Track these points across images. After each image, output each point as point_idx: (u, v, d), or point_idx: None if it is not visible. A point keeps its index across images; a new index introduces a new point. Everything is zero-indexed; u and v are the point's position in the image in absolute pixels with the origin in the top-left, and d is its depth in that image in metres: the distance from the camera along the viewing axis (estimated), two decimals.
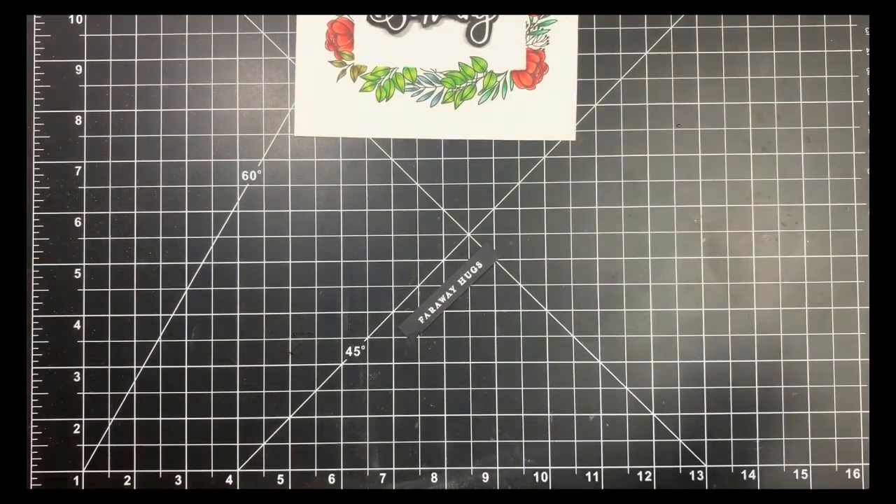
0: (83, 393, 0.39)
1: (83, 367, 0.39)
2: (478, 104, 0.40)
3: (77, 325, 0.39)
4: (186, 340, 0.39)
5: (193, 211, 0.40)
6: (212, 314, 0.39)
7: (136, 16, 0.40)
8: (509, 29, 0.40)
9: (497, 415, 0.39)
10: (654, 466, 0.39)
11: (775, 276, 0.39)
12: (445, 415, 0.39)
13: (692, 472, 0.39)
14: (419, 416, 0.39)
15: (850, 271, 0.39)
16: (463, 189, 0.40)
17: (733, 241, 0.39)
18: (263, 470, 0.39)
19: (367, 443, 0.39)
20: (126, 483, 0.39)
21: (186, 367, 0.39)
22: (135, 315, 0.39)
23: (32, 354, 0.39)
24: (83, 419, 0.39)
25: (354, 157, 0.40)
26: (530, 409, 0.39)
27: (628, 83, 0.40)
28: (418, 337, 0.39)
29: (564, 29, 0.40)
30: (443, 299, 0.39)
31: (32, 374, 0.39)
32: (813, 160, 0.40)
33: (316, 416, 0.39)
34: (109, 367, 0.39)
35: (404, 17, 0.40)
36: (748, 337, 0.39)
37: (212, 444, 0.39)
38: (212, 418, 0.39)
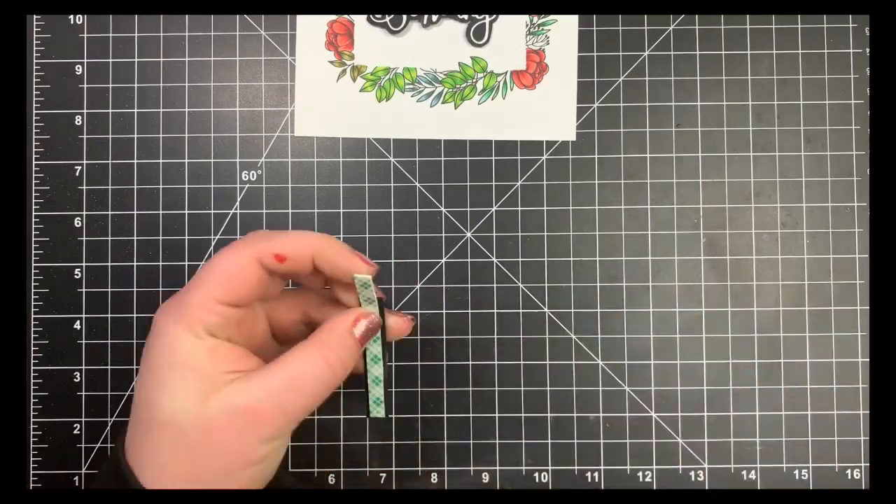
0: (83, 393, 0.39)
1: (83, 367, 0.39)
2: (478, 104, 0.40)
3: (77, 325, 0.39)
4: None
5: (193, 211, 0.40)
6: None
7: (136, 16, 0.40)
8: (509, 29, 0.40)
9: (497, 415, 0.39)
10: (654, 466, 0.39)
11: (775, 276, 0.39)
12: (445, 415, 0.39)
13: (692, 472, 0.39)
14: (419, 416, 0.39)
15: (850, 271, 0.39)
16: (463, 189, 0.40)
17: (733, 241, 0.39)
18: None
19: (367, 443, 0.39)
20: None
21: None
22: (135, 315, 0.39)
23: (32, 354, 0.39)
24: (83, 419, 0.39)
25: (354, 157, 0.40)
26: (530, 409, 0.39)
27: (628, 83, 0.40)
28: (418, 337, 0.39)
29: (564, 29, 0.40)
30: None
31: (32, 374, 0.39)
32: (813, 160, 0.40)
33: (316, 417, 0.39)
34: (109, 367, 0.39)
35: (404, 17, 0.40)
36: (748, 337, 0.39)
37: None
38: None
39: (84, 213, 0.40)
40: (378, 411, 0.31)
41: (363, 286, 0.30)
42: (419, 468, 0.39)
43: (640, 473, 0.39)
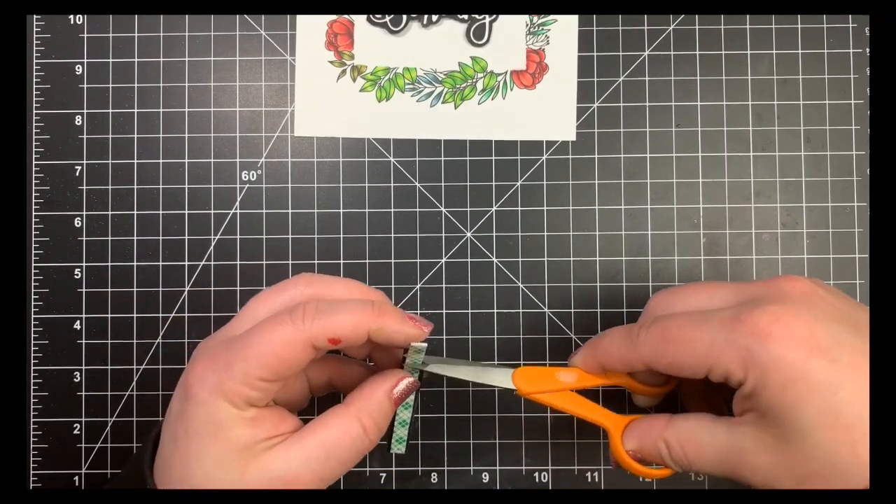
0: (83, 393, 0.39)
1: (83, 367, 0.39)
2: (478, 104, 0.40)
3: (77, 325, 0.39)
4: (186, 340, 0.39)
5: (193, 211, 0.40)
6: (212, 314, 0.39)
7: (136, 16, 0.40)
8: (509, 29, 0.40)
9: (497, 415, 0.39)
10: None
11: (775, 276, 0.39)
12: (445, 415, 0.39)
13: (692, 472, 0.39)
14: (419, 416, 0.39)
15: (850, 271, 0.39)
16: (463, 189, 0.40)
17: (733, 241, 0.39)
18: None
19: None
20: None
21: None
22: (135, 315, 0.39)
23: (32, 354, 0.39)
24: (83, 419, 0.39)
25: (354, 157, 0.40)
26: (530, 409, 0.39)
27: (628, 83, 0.40)
28: None
29: (564, 29, 0.40)
30: None
31: (32, 374, 0.39)
32: (813, 160, 0.40)
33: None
34: (109, 367, 0.39)
35: (404, 17, 0.40)
36: None
37: None
38: None
39: (84, 213, 0.40)
40: (399, 448, 0.32)
41: (416, 351, 0.30)
42: (419, 468, 0.39)
43: None
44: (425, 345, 0.30)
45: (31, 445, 0.39)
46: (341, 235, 0.40)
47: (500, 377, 0.32)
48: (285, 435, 0.28)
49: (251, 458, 0.27)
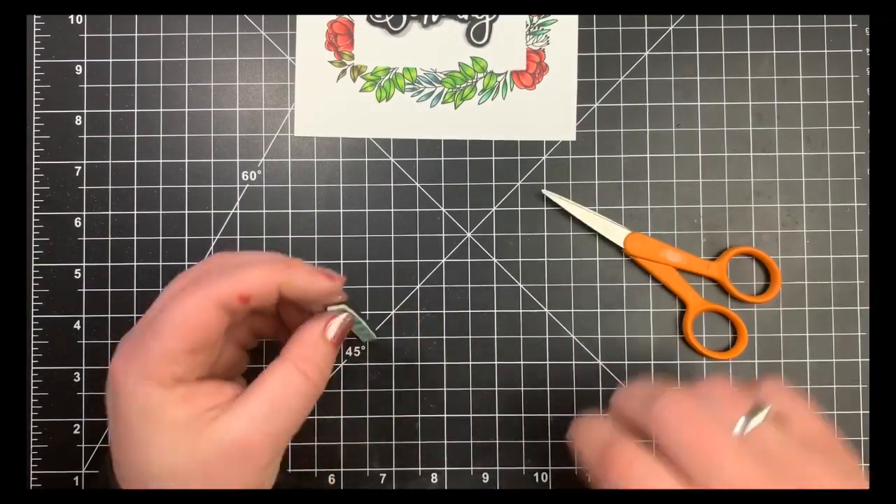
0: (83, 393, 0.39)
1: (83, 367, 0.39)
2: (478, 104, 0.40)
3: (77, 325, 0.39)
4: None
5: (193, 211, 0.40)
6: None
7: (136, 16, 0.40)
8: (509, 29, 0.40)
9: (497, 415, 0.39)
10: None
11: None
12: (445, 415, 0.39)
13: None
14: (419, 416, 0.39)
15: (850, 271, 0.39)
16: (463, 189, 0.40)
17: (733, 242, 0.39)
18: None
19: (367, 443, 0.39)
20: None
21: None
22: (135, 315, 0.39)
23: (32, 354, 0.39)
24: (83, 419, 0.39)
25: (354, 157, 0.40)
26: (530, 409, 0.39)
27: (628, 83, 0.40)
28: (418, 337, 0.39)
29: (564, 29, 0.40)
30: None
31: (32, 374, 0.39)
32: (813, 160, 0.40)
33: (316, 417, 0.39)
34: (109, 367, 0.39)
35: (404, 17, 0.40)
36: (748, 337, 0.39)
37: None
38: None
39: (84, 213, 0.40)
40: (370, 336, 0.35)
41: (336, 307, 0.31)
42: (419, 468, 0.39)
43: None
44: (342, 306, 0.30)
45: (31, 445, 0.39)
46: (341, 235, 0.40)
47: (616, 234, 0.39)
48: (227, 403, 0.27)
49: (196, 433, 0.26)
